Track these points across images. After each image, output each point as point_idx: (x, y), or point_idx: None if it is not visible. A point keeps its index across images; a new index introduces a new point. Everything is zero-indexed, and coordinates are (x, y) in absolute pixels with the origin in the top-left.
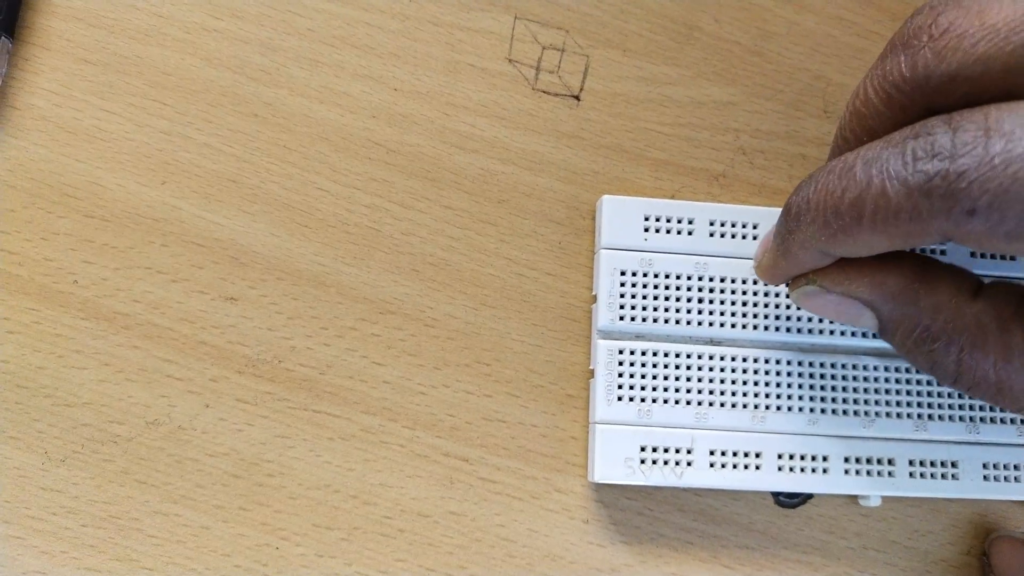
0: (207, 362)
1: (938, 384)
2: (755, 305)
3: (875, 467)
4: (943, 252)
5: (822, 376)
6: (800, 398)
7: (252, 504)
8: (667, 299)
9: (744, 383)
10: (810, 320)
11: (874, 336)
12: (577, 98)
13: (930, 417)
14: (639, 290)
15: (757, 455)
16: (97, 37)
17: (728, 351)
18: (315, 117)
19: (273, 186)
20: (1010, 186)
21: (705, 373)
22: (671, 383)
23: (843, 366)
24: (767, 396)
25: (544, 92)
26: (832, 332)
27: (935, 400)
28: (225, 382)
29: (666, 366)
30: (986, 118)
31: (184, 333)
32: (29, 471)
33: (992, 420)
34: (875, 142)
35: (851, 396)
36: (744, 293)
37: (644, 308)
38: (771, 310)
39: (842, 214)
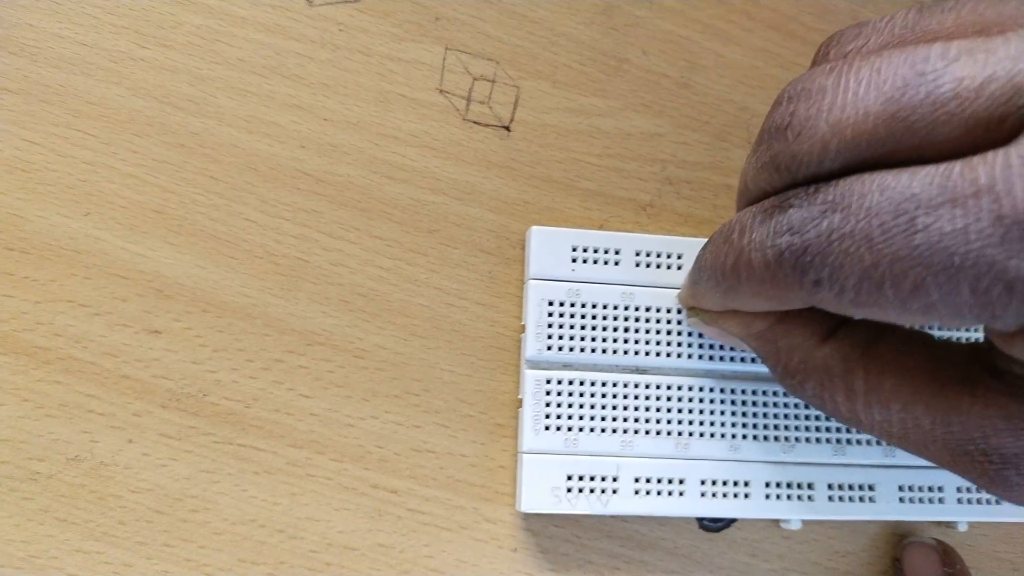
0: (130, 396)
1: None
2: (679, 334)
3: (795, 491)
4: None
5: (743, 403)
6: (723, 424)
7: (176, 540)
8: (594, 328)
9: (668, 411)
10: (732, 348)
11: None
12: (507, 128)
13: (848, 442)
14: (567, 320)
15: (681, 481)
16: (18, 65)
17: (653, 379)
18: (243, 147)
19: (199, 217)
20: (843, 260)
21: (631, 401)
22: (597, 411)
23: (764, 392)
24: (691, 423)
25: (475, 123)
26: (754, 359)
27: None
28: (149, 416)
29: (592, 395)
30: (834, 192)
31: (107, 367)
32: None
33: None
34: (751, 208)
35: (772, 422)
36: (669, 322)
37: (572, 338)
38: (695, 338)
39: (727, 276)
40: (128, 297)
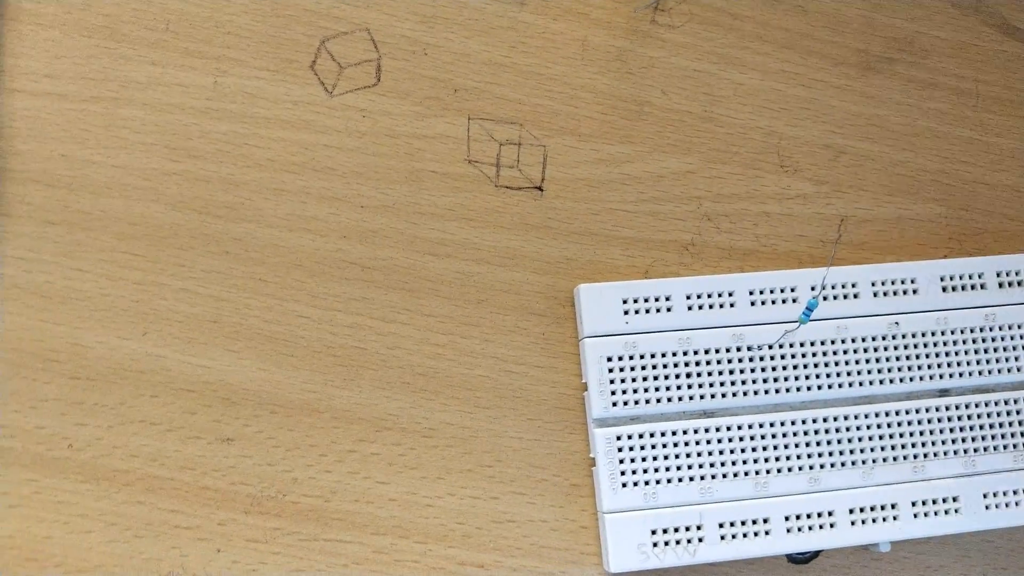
0: (212, 507)
1: None
2: (742, 372)
3: (879, 514)
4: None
5: (816, 432)
6: (799, 457)
7: None
8: (656, 378)
9: (743, 451)
10: (796, 378)
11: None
12: (540, 188)
13: (926, 456)
14: (627, 373)
15: (765, 520)
16: (58, 197)
17: (723, 421)
18: (286, 245)
19: (254, 320)
20: None
21: (704, 447)
22: (672, 462)
23: (835, 419)
24: (767, 460)
25: (507, 187)
26: (820, 387)
27: (928, 439)
28: (233, 524)
29: (665, 445)
30: None
31: (186, 481)
32: None
33: (987, 450)
34: None
35: (847, 447)
36: (730, 361)
37: (635, 391)
38: (758, 374)
39: None
40: (196, 409)
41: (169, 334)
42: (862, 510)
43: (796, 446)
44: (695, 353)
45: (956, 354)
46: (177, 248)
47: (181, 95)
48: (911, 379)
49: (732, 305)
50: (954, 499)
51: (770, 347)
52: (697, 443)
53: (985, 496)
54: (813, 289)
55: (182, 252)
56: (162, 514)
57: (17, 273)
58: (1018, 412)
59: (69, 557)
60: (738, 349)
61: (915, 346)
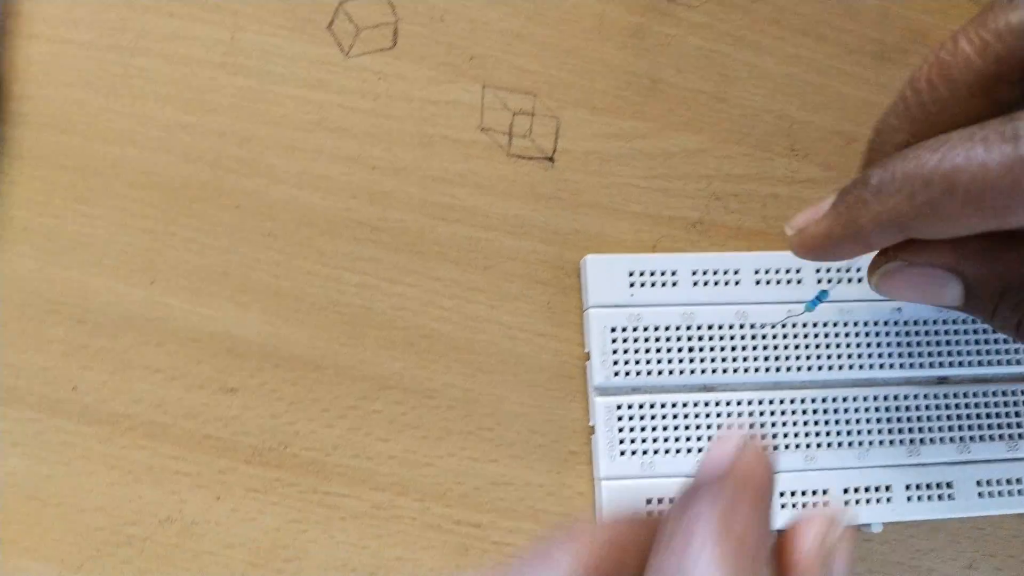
0: (214, 455)
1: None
2: (743, 348)
3: (874, 495)
4: None
5: (815, 411)
6: (795, 435)
7: None
8: (658, 351)
9: (740, 426)
10: (797, 358)
11: (883, 363)
12: (551, 159)
13: (922, 441)
14: (630, 344)
15: None
16: (71, 143)
17: (722, 396)
18: (297, 202)
19: (262, 274)
20: None
21: (703, 420)
22: (670, 433)
23: (834, 400)
24: (763, 437)
25: (519, 156)
26: (820, 367)
27: (925, 424)
28: (233, 473)
29: (664, 417)
30: None
31: (188, 428)
32: None
33: (982, 439)
34: (968, 128)
35: (844, 428)
36: (732, 338)
37: (637, 362)
38: (760, 352)
39: (933, 185)
40: (201, 359)
41: (177, 284)
42: (856, 490)
43: (794, 424)
44: (698, 328)
45: (956, 343)
46: (188, 199)
47: (198, 48)
48: (911, 365)
49: (737, 283)
50: (948, 484)
51: (772, 327)
52: (696, 416)
53: (979, 483)
54: (820, 277)
55: (193, 204)
56: (163, 460)
57: (28, 216)
58: (1014, 403)
59: (69, 497)
60: (741, 327)
61: (916, 333)
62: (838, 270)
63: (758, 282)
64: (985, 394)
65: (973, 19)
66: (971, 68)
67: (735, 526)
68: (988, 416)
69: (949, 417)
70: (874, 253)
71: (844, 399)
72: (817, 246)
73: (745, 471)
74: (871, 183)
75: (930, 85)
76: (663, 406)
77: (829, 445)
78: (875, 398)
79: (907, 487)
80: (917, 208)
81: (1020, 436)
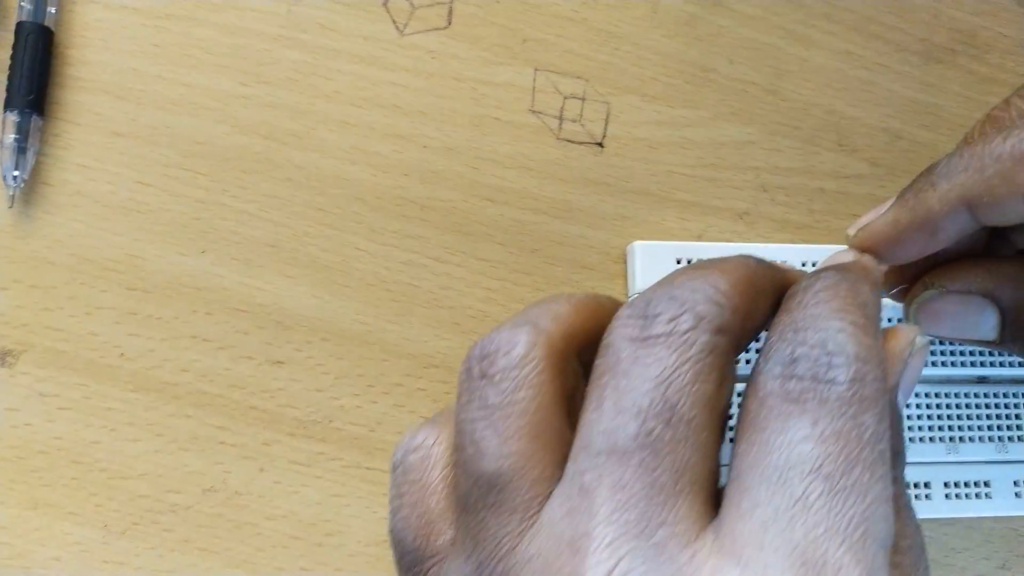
0: (259, 426)
1: None
2: None
3: (912, 491)
4: None
5: None
6: None
7: (313, 564)
8: None
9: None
10: None
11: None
12: (600, 145)
13: (961, 440)
14: None
15: None
16: (126, 110)
17: None
18: (348, 178)
19: (312, 248)
20: None
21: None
22: None
23: None
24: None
25: (568, 141)
26: None
27: (965, 423)
28: (278, 445)
29: None
30: None
31: (234, 399)
32: (90, 545)
33: (1020, 439)
34: None
35: None
36: None
37: None
38: None
39: (1003, 158)
40: (250, 330)
41: (227, 254)
42: None
43: None
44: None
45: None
46: (241, 171)
47: (255, 20)
48: (951, 364)
49: None
50: (985, 483)
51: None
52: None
53: (1016, 483)
54: None
55: (245, 175)
56: (209, 429)
57: (81, 181)
58: None
59: (114, 463)
60: None
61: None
62: None
63: None
64: (1023, 395)
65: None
66: None
67: (859, 296)
68: None
69: (988, 416)
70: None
71: None
72: (883, 239)
73: (864, 266)
74: (939, 167)
75: (982, 133)
76: None
77: None
78: (916, 395)
79: (945, 484)
80: (987, 181)
81: None
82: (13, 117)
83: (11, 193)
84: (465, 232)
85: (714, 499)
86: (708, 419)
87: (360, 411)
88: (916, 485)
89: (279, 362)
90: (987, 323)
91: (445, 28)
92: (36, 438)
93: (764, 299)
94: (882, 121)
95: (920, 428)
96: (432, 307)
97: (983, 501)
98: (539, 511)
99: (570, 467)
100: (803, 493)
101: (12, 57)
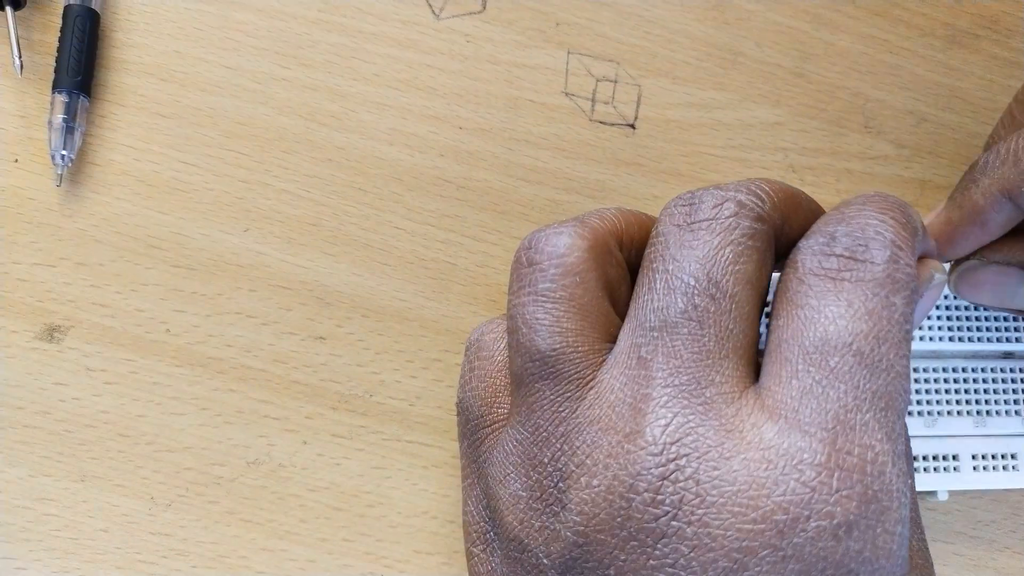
0: (301, 400)
1: None
2: None
3: (940, 463)
4: None
5: None
6: None
7: (355, 535)
8: None
9: None
10: None
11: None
12: (632, 126)
13: (988, 413)
14: None
15: None
16: (170, 91)
17: None
18: (386, 158)
19: (352, 227)
20: None
21: None
22: None
23: None
24: None
25: (601, 122)
26: None
27: (991, 397)
28: (320, 419)
29: None
30: None
31: (277, 374)
32: (137, 517)
33: None
34: None
35: (913, 398)
36: None
37: None
38: None
39: None
40: (292, 306)
41: (270, 232)
42: (924, 458)
43: None
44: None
45: (1022, 319)
46: (282, 151)
47: (294, 4)
48: (978, 339)
49: None
50: (1012, 456)
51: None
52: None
53: None
54: None
55: (287, 155)
56: (252, 403)
57: (127, 160)
58: None
59: (160, 436)
60: None
61: (984, 308)
62: None
63: None
64: None
65: None
66: None
67: (906, 209)
68: None
69: (1015, 391)
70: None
71: (914, 370)
72: (941, 237)
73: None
74: (979, 164)
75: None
76: None
77: None
78: (943, 370)
79: (973, 457)
80: (1022, 172)
81: None
82: (62, 98)
83: (59, 172)
84: (501, 211)
85: (755, 365)
86: (749, 295)
87: (400, 385)
88: (944, 458)
89: (321, 338)
90: (1021, 295)
91: (480, 12)
92: (84, 412)
93: (802, 213)
94: (907, 104)
95: (948, 402)
96: (469, 284)
97: (1010, 473)
98: (592, 381)
99: (625, 340)
100: (836, 365)
101: (60, 39)
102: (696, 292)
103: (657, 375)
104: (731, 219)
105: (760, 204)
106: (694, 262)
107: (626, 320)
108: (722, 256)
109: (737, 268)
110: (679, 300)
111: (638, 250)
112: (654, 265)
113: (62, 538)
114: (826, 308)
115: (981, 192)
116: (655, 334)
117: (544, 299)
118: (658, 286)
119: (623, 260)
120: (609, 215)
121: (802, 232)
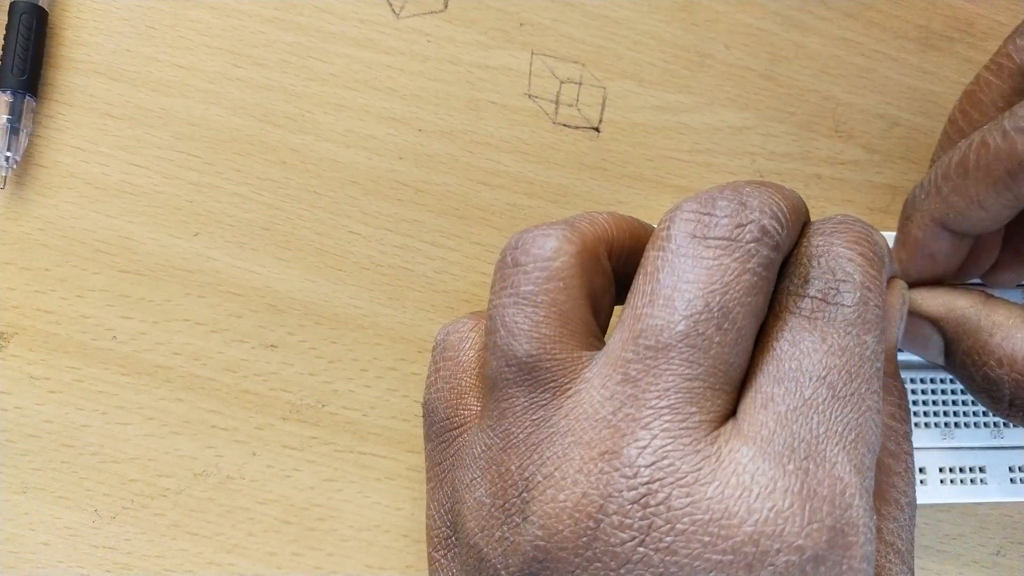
0: (251, 410)
1: (993, 411)
2: None
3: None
4: None
5: None
6: None
7: (304, 549)
8: None
9: None
10: None
11: None
12: (597, 130)
13: (956, 425)
14: None
15: None
16: (120, 91)
17: None
18: (343, 161)
19: (305, 232)
20: None
21: None
22: None
23: None
24: None
25: (564, 125)
26: None
27: (960, 408)
28: (270, 429)
29: None
30: None
31: (226, 383)
32: (80, 530)
33: (1016, 425)
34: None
35: None
36: None
37: None
38: None
39: (950, 177)
40: (243, 313)
41: (221, 237)
42: None
43: None
44: None
45: None
46: (234, 153)
47: (250, 2)
48: None
49: None
50: (981, 469)
51: None
52: None
53: (1011, 469)
54: None
55: (239, 157)
56: (201, 413)
57: (74, 163)
58: None
59: (105, 447)
60: None
61: None
62: None
63: None
64: None
65: (992, 55)
66: (992, 88)
67: (871, 233)
68: None
69: None
70: None
71: None
72: (903, 272)
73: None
74: (909, 199)
75: (963, 113)
76: None
77: None
78: (911, 380)
79: (940, 470)
80: (946, 201)
81: None
82: (6, 97)
83: (3, 174)
84: (460, 216)
85: (737, 392)
86: (753, 329)
87: (353, 395)
88: None
89: (272, 346)
90: (933, 347)
91: (441, 11)
92: (26, 421)
93: (800, 228)
94: (879, 108)
95: (916, 414)
96: (427, 291)
97: (978, 487)
98: (569, 390)
99: (613, 352)
100: (811, 396)
101: (5, 37)
102: (703, 318)
103: (642, 396)
104: (752, 245)
105: (780, 232)
106: (705, 284)
107: (617, 328)
108: (737, 285)
109: (749, 300)
110: (681, 322)
111: (627, 259)
112: (659, 275)
113: (2, 552)
114: (801, 343)
115: (917, 226)
116: (648, 353)
117: (526, 302)
118: (659, 300)
119: (610, 270)
120: (601, 221)
121: (790, 249)
